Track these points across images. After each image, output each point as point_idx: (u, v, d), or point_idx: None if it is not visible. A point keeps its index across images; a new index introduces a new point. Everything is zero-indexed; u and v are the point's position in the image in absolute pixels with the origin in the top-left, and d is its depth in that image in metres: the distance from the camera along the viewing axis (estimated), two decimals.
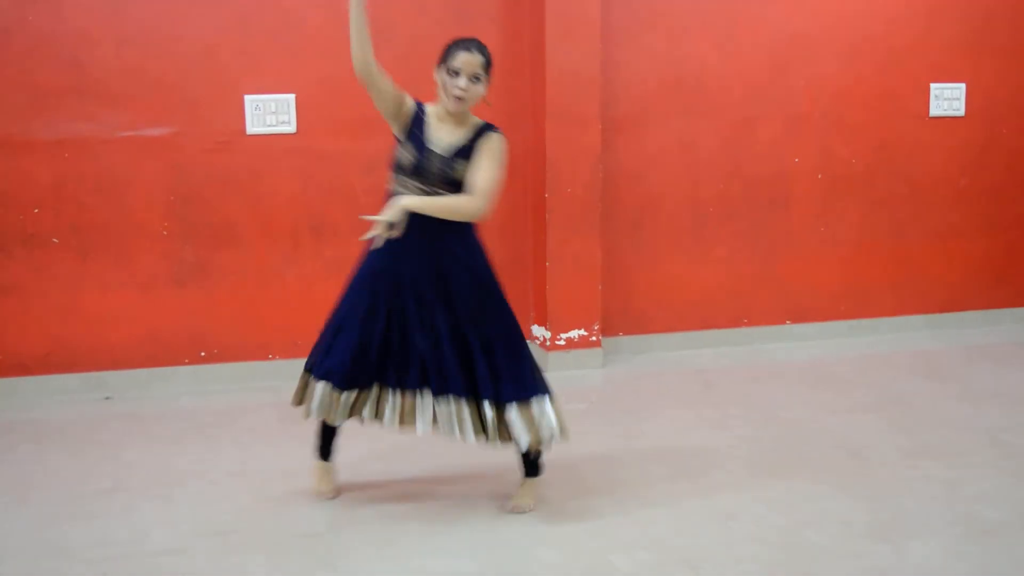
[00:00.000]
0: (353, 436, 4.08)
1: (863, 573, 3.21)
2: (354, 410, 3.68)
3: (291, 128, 5.51)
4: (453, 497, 3.92)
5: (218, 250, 5.50)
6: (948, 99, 6.41)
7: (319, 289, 5.26)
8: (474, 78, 3.50)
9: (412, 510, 3.80)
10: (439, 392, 3.60)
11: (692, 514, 3.71)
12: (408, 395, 3.65)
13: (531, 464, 3.80)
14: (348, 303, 3.69)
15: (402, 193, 3.51)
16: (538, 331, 5.88)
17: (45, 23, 5.20)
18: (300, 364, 5.14)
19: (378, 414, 3.69)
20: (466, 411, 3.59)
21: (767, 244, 6.26)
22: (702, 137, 6.07)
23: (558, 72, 5.57)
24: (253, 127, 5.49)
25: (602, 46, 5.72)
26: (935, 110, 6.41)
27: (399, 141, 3.62)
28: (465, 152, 3.53)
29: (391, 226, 3.35)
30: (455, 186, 3.52)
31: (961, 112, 6.46)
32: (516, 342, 3.66)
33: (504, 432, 3.59)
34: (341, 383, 3.61)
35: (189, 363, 5.57)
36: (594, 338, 5.84)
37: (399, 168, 3.56)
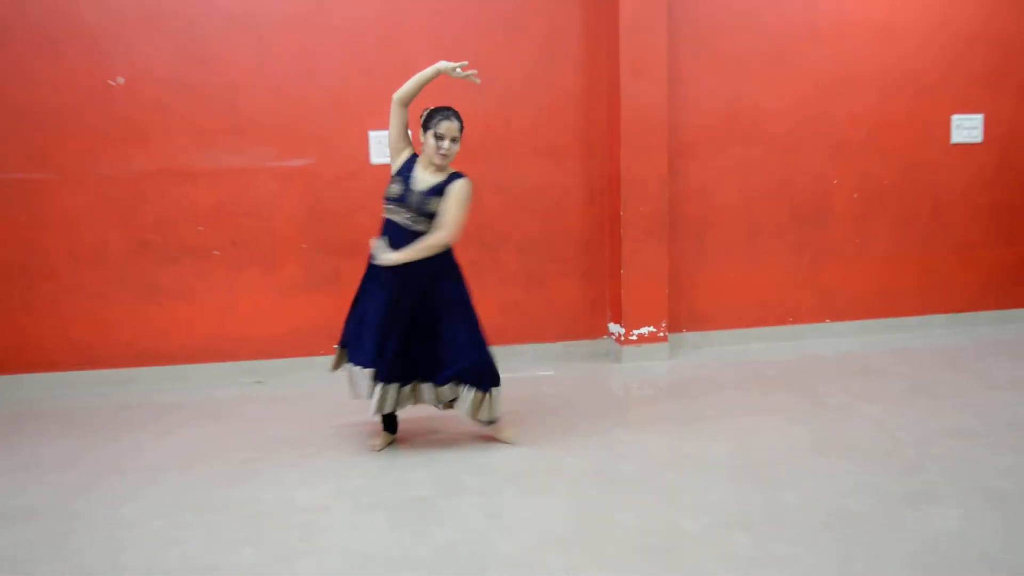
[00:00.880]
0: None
1: (893, 537, 3.18)
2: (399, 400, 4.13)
3: None
4: (540, 466, 3.99)
5: (346, 260, 5.59)
6: (968, 128, 6.39)
7: None
8: (453, 140, 4.00)
9: (505, 482, 3.85)
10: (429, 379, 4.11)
11: (745, 484, 3.71)
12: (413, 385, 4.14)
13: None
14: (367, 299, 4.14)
15: (390, 218, 4.02)
16: (614, 328, 5.92)
17: (206, 76, 5.40)
18: None
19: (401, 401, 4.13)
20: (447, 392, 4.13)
21: (811, 253, 6.28)
22: (755, 162, 6.10)
23: (631, 107, 5.64)
24: (375, 158, 5.61)
25: (668, 85, 5.77)
26: (956, 138, 6.40)
27: (392, 176, 4.08)
28: (437, 191, 3.99)
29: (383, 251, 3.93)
30: (428, 216, 3.99)
31: (979, 139, 6.44)
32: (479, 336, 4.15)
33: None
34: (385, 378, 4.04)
35: (323, 354, 5.63)
36: (661, 334, 5.86)
37: (388, 198, 4.03)
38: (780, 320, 6.29)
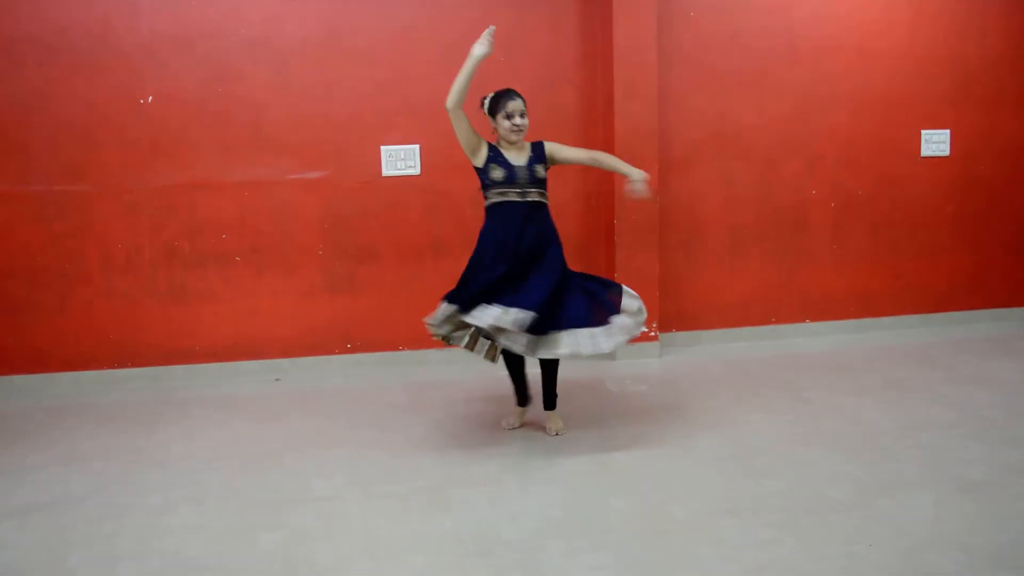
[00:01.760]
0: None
1: (869, 521, 3.17)
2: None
3: (416, 171, 5.63)
4: (537, 452, 3.99)
5: (361, 265, 5.62)
6: (936, 142, 6.38)
7: (439, 295, 4.95)
8: (522, 115, 3.97)
9: (508, 472, 3.82)
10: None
11: (732, 472, 3.70)
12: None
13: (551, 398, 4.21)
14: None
15: (500, 200, 3.94)
16: None
17: (231, 93, 5.39)
18: (425, 355, 5.55)
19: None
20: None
21: (790, 259, 6.26)
22: (738, 175, 6.08)
23: (624, 124, 5.61)
24: (388, 170, 5.60)
25: (659, 104, 5.75)
26: (925, 151, 6.37)
27: (479, 168, 4.01)
28: (536, 159, 4.00)
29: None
30: (540, 183, 3.97)
31: (947, 153, 6.41)
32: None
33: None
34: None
35: (339, 352, 5.66)
36: (653, 334, 5.83)
37: (494, 183, 3.97)
38: (763, 320, 6.27)
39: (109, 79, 5.30)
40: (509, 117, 3.97)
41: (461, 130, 3.96)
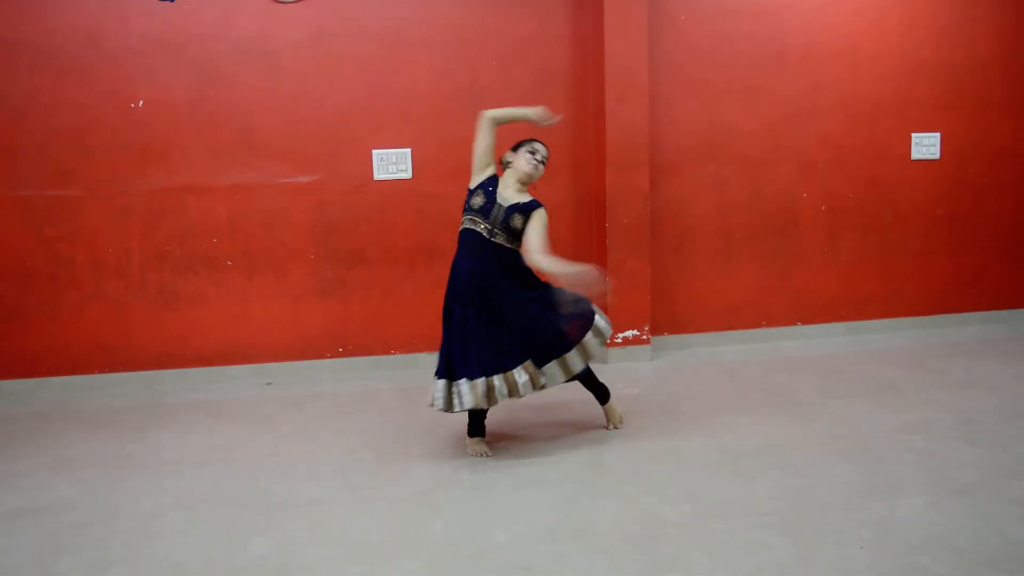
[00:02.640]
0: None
1: (860, 524, 3.17)
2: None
3: (408, 175, 5.62)
4: (536, 462, 3.97)
5: (352, 269, 5.61)
6: (926, 146, 6.40)
7: (430, 299, 5.15)
8: (544, 159, 4.01)
9: (499, 476, 3.81)
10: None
11: (724, 475, 3.70)
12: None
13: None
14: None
15: (469, 228, 3.91)
16: None
17: (221, 97, 5.39)
18: (416, 358, 5.53)
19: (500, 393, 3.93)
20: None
21: (781, 262, 6.26)
22: (729, 179, 6.09)
23: (616, 129, 5.63)
24: (379, 174, 5.60)
25: (650, 109, 5.76)
26: (915, 155, 6.40)
27: (470, 189, 4.00)
28: (519, 209, 3.92)
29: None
30: (506, 231, 3.90)
31: (937, 156, 6.44)
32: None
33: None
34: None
35: (330, 357, 5.65)
36: (644, 337, 5.84)
37: (470, 208, 3.94)
38: (754, 323, 6.28)
39: (99, 83, 5.28)
40: (532, 152, 4.01)
41: (482, 143, 4.01)
